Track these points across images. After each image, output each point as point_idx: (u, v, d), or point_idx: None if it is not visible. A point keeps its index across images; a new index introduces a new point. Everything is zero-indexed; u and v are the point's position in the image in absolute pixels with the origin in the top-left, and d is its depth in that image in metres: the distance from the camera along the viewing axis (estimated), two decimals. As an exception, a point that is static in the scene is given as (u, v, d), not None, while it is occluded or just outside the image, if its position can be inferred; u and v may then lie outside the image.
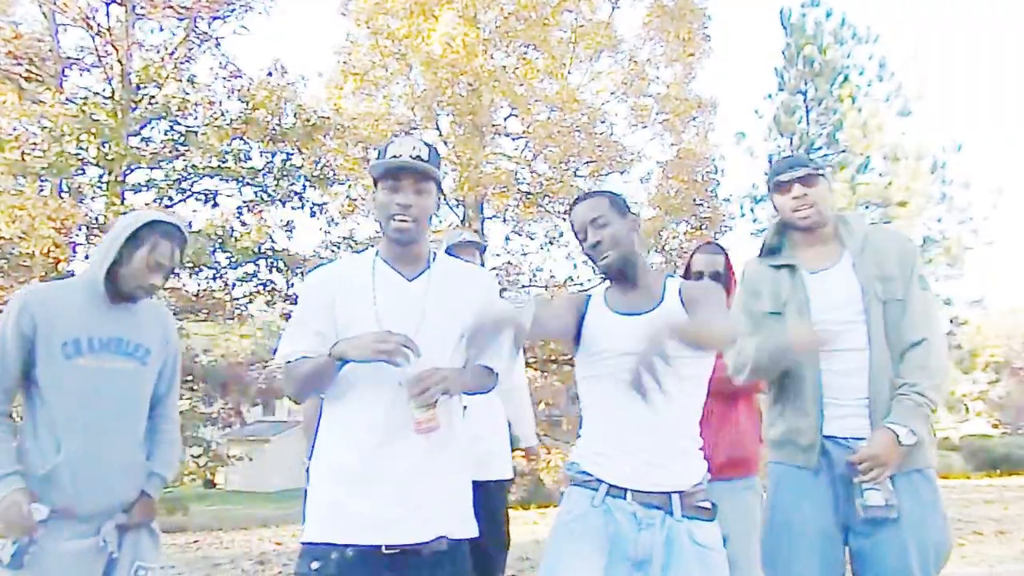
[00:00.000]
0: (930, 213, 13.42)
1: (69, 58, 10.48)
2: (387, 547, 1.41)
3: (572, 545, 1.47)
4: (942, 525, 1.67)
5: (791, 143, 14.40)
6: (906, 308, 1.69)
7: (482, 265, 2.66)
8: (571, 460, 1.59)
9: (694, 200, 12.87)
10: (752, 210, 14.27)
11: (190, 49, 10.74)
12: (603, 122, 12.83)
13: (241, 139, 10.43)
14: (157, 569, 1.78)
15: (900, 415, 1.63)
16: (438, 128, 12.78)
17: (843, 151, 13.95)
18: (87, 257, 9.75)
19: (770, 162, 14.68)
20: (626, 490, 1.47)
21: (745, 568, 2.05)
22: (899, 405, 1.65)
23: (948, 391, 12.17)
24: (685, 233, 12.86)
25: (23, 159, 9.11)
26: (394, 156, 1.48)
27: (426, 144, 1.52)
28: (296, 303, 1.68)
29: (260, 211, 10.71)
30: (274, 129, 10.35)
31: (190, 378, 10.03)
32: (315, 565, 1.42)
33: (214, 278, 10.63)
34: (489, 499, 2.33)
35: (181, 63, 10.61)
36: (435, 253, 1.60)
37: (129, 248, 1.70)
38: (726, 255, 2.38)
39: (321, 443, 1.53)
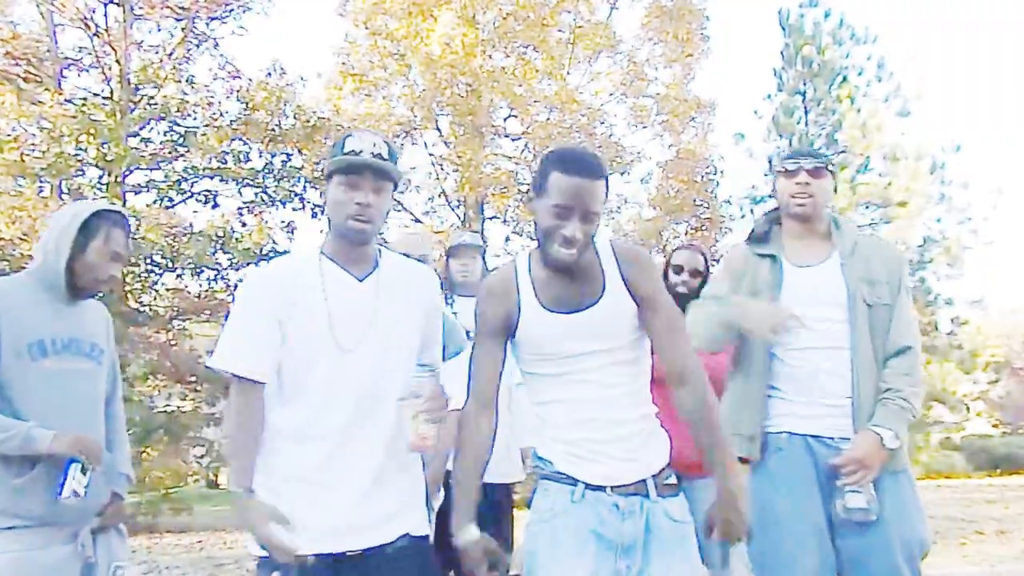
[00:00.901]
0: (930, 213, 13.43)
1: (67, 58, 10.46)
2: (350, 552, 1.41)
3: (554, 542, 1.45)
4: (923, 523, 1.73)
5: (790, 144, 14.40)
6: (893, 314, 1.71)
7: (484, 267, 2.63)
8: (540, 454, 1.52)
9: (694, 201, 12.88)
10: (752, 211, 14.26)
11: (188, 50, 10.73)
12: (602, 123, 12.84)
13: (241, 140, 10.42)
14: (132, 567, 1.80)
15: (885, 418, 1.65)
16: (438, 128, 12.78)
17: (842, 151, 13.95)
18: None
19: (770, 163, 14.69)
20: (605, 487, 1.46)
21: (735, 564, 2.09)
22: (884, 409, 1.66)
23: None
24: (686, 233, 12.87)
25: (22, 160, 9.09)
26: (353, 151, 1.41)
27: (385, 141, 1.47)
28: None
29: (260, 212, 10.70)
30: (274, 130, 10.34)
31: (193, 379, 10.02)
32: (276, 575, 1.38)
33: (215, 279, 10.61)
34: (495, 502, 2.33)
35: (180, 64, 10.60)
36: (380, 250, 1.53)
37: (81, 241, 1.64)
38: (706, 257, 2.44)
39: (268, 452, 1.44)
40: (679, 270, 2.38)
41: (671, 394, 1.45)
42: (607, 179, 1.43)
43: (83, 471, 1.58)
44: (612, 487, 1.45)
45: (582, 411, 1.46)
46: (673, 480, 1.51)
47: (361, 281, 1.46)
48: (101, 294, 1.78)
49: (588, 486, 1.45)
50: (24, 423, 1.59)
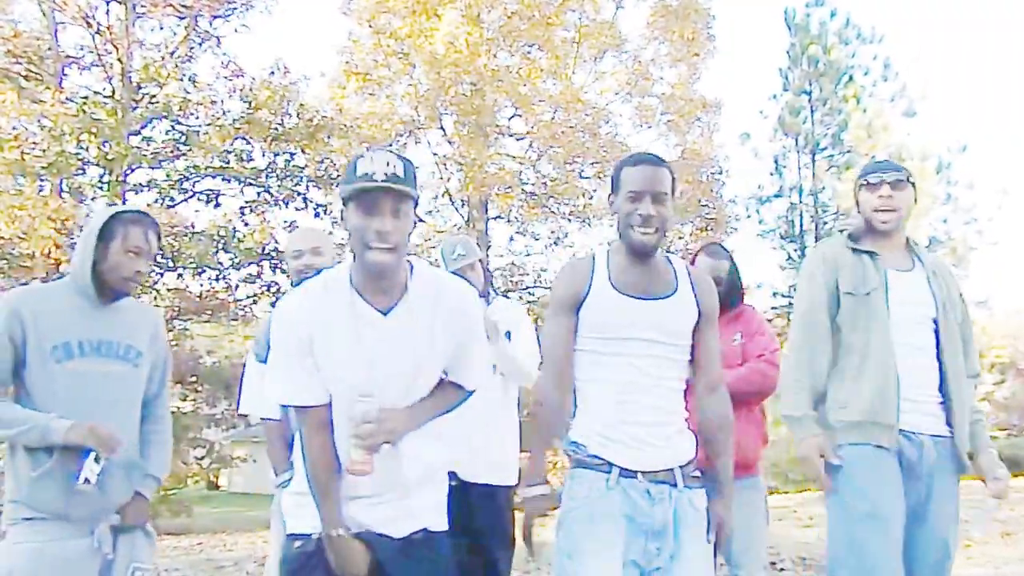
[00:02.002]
0: (935, 214, 13.40)
1: (69, 57, 10.37)
2: (368, 530, 1.44)
3: (592, 528, 1.52)
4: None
5: (796, 143, 14.36)
6: (967, 338, 1.88)
7: (486, 271, 2.58)
8: (572, 439, 1.60)
9: (699, 201, 12.81)
10: (758, 211, 14.23)
11: (191, 48, 10.64)
12: (607, 122, 12.78)
13: (243, 139, 10.34)
14: (152, 570, 1.79)
15: (991, 449, 1.89)
16: (442, 128, 12.71)
17: (848, 151, 13.93)
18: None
19: (775, 163, 14.65)
20: (637, 472, 1.55)
21: (748, 562, 2.18)
22: (987, 438, 1.87)
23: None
24: (691, 234, 12.80)
25: (23, 158, 9.01)
26: (366, 174, 1.33)
27: (400, 159, 1.38)
28: None
29: (263, 212, 10.63)
30: (276, 129, 10.26)
31: (194, 379, 9.94)
32: (297, 544, 1.45)
33: (217, 279, 10.53)
34: (498, 502, 2.34)
35: (182, 62, 10.52)
36: (412, 268, 1.45)
37: (103, 245, 1.72)
38: (731, 258, 2.40)
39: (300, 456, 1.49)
40: None
41: (700, 401, 1.63)
42: (670, 169, 1.62)
43: (96, 460, 1.62)
44: (643, 473, 1.55)
45: (626, 393, 1.56)
46: (697, 474, 1.63)
47: (386, 315, 1.41)
48: (130, 293, 1.81)
49: (622, 472, 1.54)
50: (44, 415, 1.63)
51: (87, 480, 1.60)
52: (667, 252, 1.70)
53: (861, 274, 1.82)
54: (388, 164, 1.34)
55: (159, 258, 9.98)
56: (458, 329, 1.46)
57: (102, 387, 1.69)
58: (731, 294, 2.32)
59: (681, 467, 1.57)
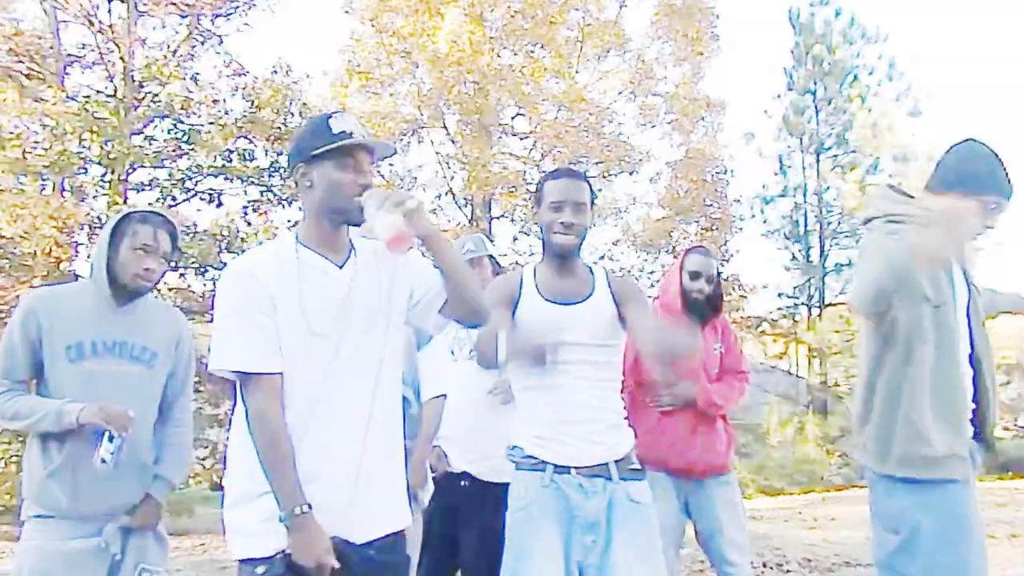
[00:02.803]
0: (941, 214, 13.26)
1: (71, 55, 10.35)
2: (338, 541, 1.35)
3: (531, 527, 1.62)
4: None
5: (800, 143, 14.29)
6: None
7: (496, 268, 2.54)
8: (512, 444, 1.73)
9: (704, 200, 12.74)
10: (762, 211, 14.16)
11: (193, 47, 10.61)
12: (611, 121, 12.71)
13: (246, 138, 10.30)
14: (163, 573, 1.78)
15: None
16: (445, 127, 12.65)
17: (853, 152, 13.84)
18: (89, 257, 9.62)
19: (780, 162, 14.56)
20: (570, 468, 1.64)
21: (738, 558, 2.27)
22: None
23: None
24: (696, 234, 12.73)
25: (24, 157, 8.98)
26: (344, 132, 1.39)
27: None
28: None
29: (265, 211, 10.59)
30: (279, 128, 10.22)
31: (197, 379, 9.83)
32: (261, 570, 1.31)
33: (219, 279, 10.48)
34: (496, 500, 2.26)
35: (184, 61, 10.48)
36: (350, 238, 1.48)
37: (115, 246, 1.77)
38: (716, 260, 2.51)
39: (243, 453, 1.36)
40: (695, 276, 2.35)
41: (644, 335, 1.67)
42: (589, 182, 1.81)
43: (110, 439, 1.65)
44: (576, 468, 1.63)
45: (559, 396, 1.67)
46: (637, 466, 1.70)
47: (341, 268, 1.42)
48: (143, 292, 1.82)
49: (555, 468, 1.64)
50: (57, 401, 1.67)
51: (103, 460, 1.63)
52: (590, 265, 1.85)
53: (935, 275, 1.66)
54: (360, 125, 1.43)
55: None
56: (407, 270, 1.46)
57: (115, 387, 1.71)
58: (718, 298, 2.38)
59: (616, 461, 1.66)
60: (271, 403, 1.33)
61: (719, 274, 2.43)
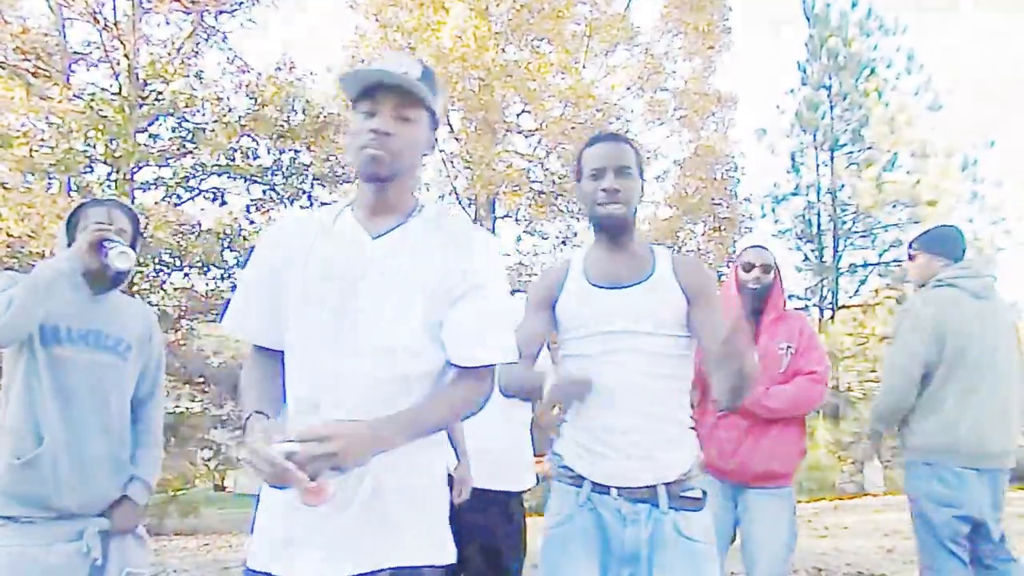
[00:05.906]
0: (961, 213, 12.90)
1: (76, 53, 10.40)
2: None
3: (564, 551, 1.41)
4: None
5: (814, 140, 13.96)
6: None
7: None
8: (555, 449, 1.50)
9: (712, 199, 12.54)
10: (774, 210, 13.86)
11: (197, 44, 10.61)
12: (618, 118, 12.53)
13: (249, 136, 10.31)
14: (147, 573, 1.74)
15: None
16: (449, 124, 12.55)
17: (869, 148, 13.47)
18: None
19: (792, 159, 14.25)
20: (610, 487, 1.39)
21: (766, 569, 2.12)
22: None
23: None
24: (703, 234, 12.54)
25: (31, 156, 9.05)
26: (362, 68, 1.15)
27: (420, 62, 1.17)
28: None
29: (268, 210, 10.59)
30: (283, 126, 10.21)
31: (201, 380, 9.96)
32: None
33: (223, 278, 10.53)
34: (507, 509, 2.30)
35: (188, 58, 10.49)
36: (422, 206, 1.21)
37: (72, 235, 1.74)
38: (775, 259, 2.34)
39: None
40: (749, 267, 2.28)
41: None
42: (632, 145, 1.51)
43: (108, 244, 1.63)
44: (618, 489, 1.38)
45: (606, 395, 1.40)
46: (695, 494, 1.40)
47: (375, 240, 1.15)
48: (123, 283, 1.80)
49: (594, 486, 1.40)
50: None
51: (123, 253, 1.60)
52: (653, 245, 1.57)
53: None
54: (401, 64, 1.14)
55: (167, 256, 10.08)
56: (459, 275, 1.13)
57: (88, 375, 1.67)
58: (777, 292, 2.26)
59: (667, 484, 1.37)
60: (247, 363, 1.24)
61: (776, 267, 2.29)
